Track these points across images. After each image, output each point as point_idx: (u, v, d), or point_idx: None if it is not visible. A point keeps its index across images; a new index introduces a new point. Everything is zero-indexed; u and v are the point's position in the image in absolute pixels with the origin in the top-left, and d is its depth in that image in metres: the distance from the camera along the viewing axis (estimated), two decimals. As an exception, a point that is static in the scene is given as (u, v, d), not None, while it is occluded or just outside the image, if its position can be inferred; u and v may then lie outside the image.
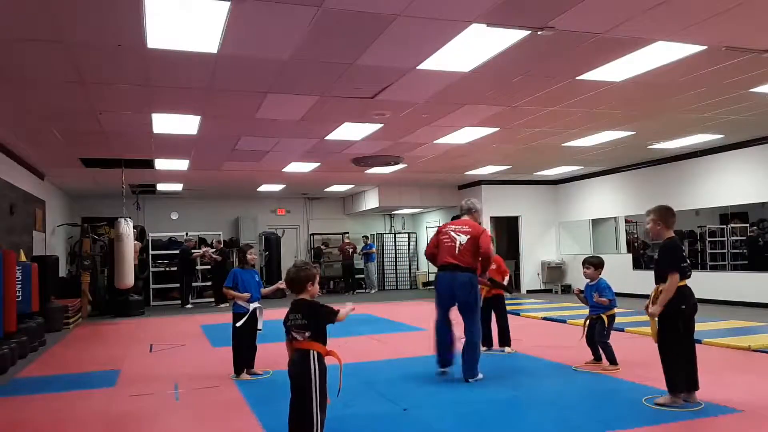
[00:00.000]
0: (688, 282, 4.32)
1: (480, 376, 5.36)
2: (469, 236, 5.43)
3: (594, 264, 5.81)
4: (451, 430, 3.98)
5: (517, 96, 7.07)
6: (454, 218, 5.88)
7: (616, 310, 5.74)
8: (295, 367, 3.25)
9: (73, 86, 6.11)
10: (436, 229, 5.91)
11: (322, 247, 17.98)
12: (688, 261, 4.36)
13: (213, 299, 14.34)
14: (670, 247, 4.32)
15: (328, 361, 3.31)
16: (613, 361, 5.56)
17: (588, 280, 5.85)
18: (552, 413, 4.32)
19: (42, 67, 5.52)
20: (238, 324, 5.54)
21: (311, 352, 3.22)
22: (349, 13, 4.50)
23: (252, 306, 5.65)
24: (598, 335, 5.67)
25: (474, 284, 5.40)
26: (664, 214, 4.40)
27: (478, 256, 5.44)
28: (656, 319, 4.33)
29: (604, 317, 5.63)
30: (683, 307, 4.23)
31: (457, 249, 5.39)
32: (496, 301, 6.69)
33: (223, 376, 5.75)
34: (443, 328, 5.52)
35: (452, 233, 5.49)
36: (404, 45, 5.23)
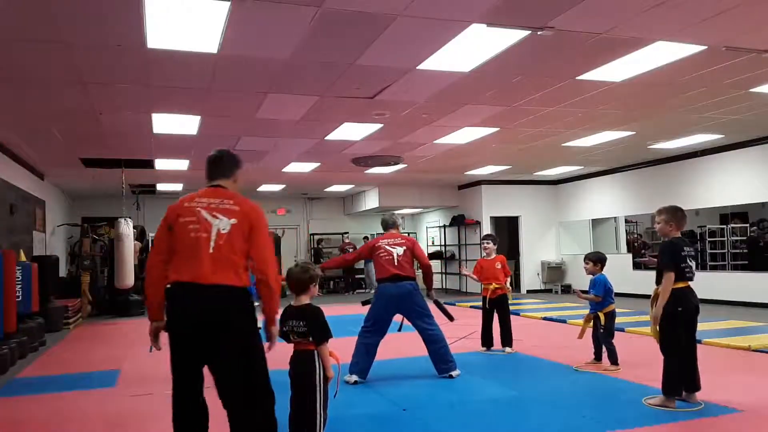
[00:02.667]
0: (691, 284, 4.31)
1: (458, 372, 5.42)
2: (404, 248, 5.60)
3: (592, 260, 5.84)
4: (451, 431, 3.98)
5: (517, 96, 7.07)
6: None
7: (615, 308, 5.73)
8: (298, 368, 3.25)
9: (73, 86, 6.11)
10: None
11: (320, 246, 17.95)
12: (690, 262, 4.30)
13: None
14: (669, 246, 4.31)
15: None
16: (614, 361, 5.57)
17: (590, 276, 5.87)
18: (552, 413, 4.32)
19: (42, 67, 5.52)
20: None
21: (315, 352, 3.23)
22: (349, 13, 4.49)
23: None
24: (600, 335, 5.69)
25: (418, 290, 5.55)
26: (674, 214, 4.40)
27: (413, 267, 5.62)
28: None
29: (600, 314, 5.64)
30: (680, 309, 4.21)
31: (395, 261, 5.51)
32: (500, 301, 6.69)
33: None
34: (374, 339, 5.47)
35: (387, 247, 5.59)
36: (404, 45, 5.23)
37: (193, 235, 2.85)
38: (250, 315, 2.88)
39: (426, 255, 5.82)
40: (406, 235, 5.87)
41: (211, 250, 2.83)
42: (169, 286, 2.89)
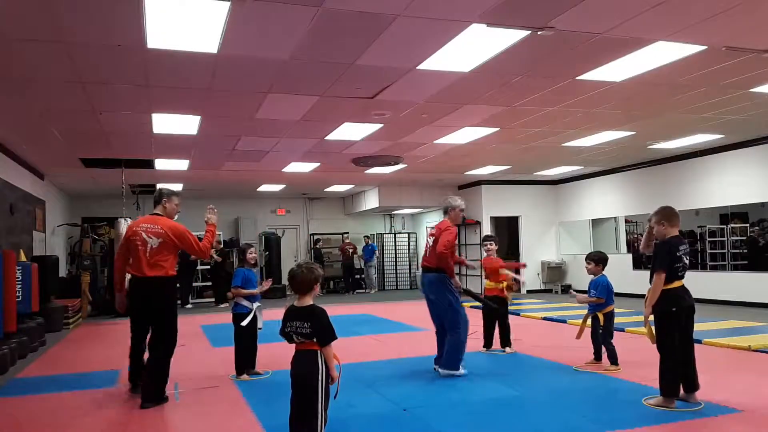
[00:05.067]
0: (685, 283, 4.30)
1: (461, 371, 5.46)
2: (434, 237, 5.58)
3: (594, 260, 5.82)
4: (451, 430, 3.98)
5: (517, 96, 7.07)
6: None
7: (615, 309, 5.74)
8: (300, 368, 3.24)
9: (73, 86, 6.11)
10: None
11: (317, 246, 17.96)
12: (685, 261, 4.31)
13: (213, 299, 14.35)
14: (664, 246, 4.30)
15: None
16: (614, 361, 5.57)
17: (592, 276, 5.85)
18: (552, 413, 4.31)
19: (42, 67, 5.52)
20: (243, 323, 5.56)
21: (318, 352, 3.22)
22: (349, 13, 4.49)
23: (255, 305, 5.68)
24: (599, 335, 5.68)
25: (442, 282, 5.49)
26: (667, 214, 4.39)
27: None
28: (649, 321, 4.31)
29: (600, 315, 5.64)
30: (674, 309, 4.20)
31: (426, 251, 5.68)
32: (498, 301, 6.67)
33: (223, 376, 5.75)
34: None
35: (428, 236, 5.75)
36: (404, 45, 5.23)
37: (137, 248, 4.82)
38: (168, 291, 4.90)
39: (446, 242, 5.44)
40: (441, 223, 5.75)
41: (147, 257, 4.79)
42: (129, 277, 4.91)
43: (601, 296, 5.64)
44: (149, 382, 4.74)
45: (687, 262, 4.33)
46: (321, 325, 3.22)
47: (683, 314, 4.25)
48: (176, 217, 5.23)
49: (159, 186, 5.42)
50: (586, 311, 5.85)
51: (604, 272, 5.81)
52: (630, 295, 11.32)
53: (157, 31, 4.74)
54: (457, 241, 5.87)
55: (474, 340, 7.13)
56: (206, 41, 4.98)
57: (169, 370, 4.90)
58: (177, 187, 14.29)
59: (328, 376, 3.23)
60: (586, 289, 5.90)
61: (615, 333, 5.78)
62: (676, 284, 4.24)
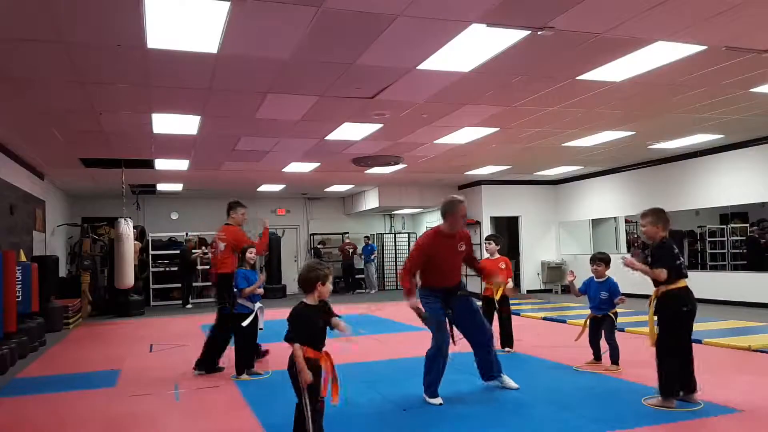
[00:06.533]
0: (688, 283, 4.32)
1: (427, 398, 4.69)
2: None
3: (605, 261, 5.80)
4: (451, 430, 3.99)
5: (517, 96, 7.07)
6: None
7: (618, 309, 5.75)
8: (292, 368, 3.27)
9: (73, 86, 6.11)
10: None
11: (320, 246, 17.95)
12: (682, 259, 4.37)
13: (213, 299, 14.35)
14: (663, 246, 4.34)
15: (337, 360, 3.38)
16: (615, 361, 5.57)
17: (600, 279, 5.80)
18: (552, 413, 4.31)
19: (42, 67, 5.52)
20: (245, 323, 5.56)
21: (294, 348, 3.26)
22: (349, 13, 4.49)
23: (256, 306, 5.69)
24: (609, 334, 5.66)
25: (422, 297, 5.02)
26: (660, 215, 4.42)
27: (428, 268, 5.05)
28: (655, 322, 4.32)
29: (613, 315, 5.65)
30: (685, 309, 4.22)
31: None
32: (503, 302, 6.64)
33: (223, 376, 5.75)
34: None
35: None
36: (404, 45, 5.23)
37: (213, 252, 6.44)
38: (228, 283, 5.91)
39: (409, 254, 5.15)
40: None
41: (219, 259, 6.17)
42: None
43: (619, 294, 5.67)
44: (236, 357, 5.75)
45: (683, 260, 4.38)
46: (290, 320, 3.24)
47: (691, 315, 4.26)
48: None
49: (230, 201, 6.48)
50: (589, 312, 5.86)
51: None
52: (630, 296, 11.28)
53: (157, 31, 4.74)
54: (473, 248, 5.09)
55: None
56: (206, 41, 4.98)
57: (249, 348, 5.89)
58: (177, 187, 14.30)
59: (314, 375, 3.19)
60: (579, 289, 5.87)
61: (615, 333, 5.78)
62: (682, 283, 4.27)
